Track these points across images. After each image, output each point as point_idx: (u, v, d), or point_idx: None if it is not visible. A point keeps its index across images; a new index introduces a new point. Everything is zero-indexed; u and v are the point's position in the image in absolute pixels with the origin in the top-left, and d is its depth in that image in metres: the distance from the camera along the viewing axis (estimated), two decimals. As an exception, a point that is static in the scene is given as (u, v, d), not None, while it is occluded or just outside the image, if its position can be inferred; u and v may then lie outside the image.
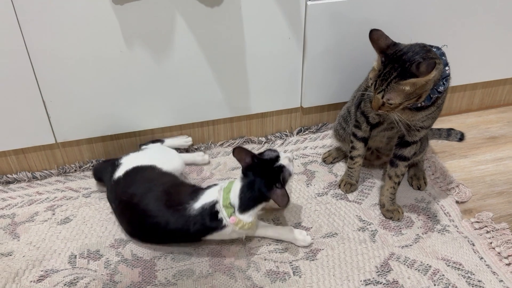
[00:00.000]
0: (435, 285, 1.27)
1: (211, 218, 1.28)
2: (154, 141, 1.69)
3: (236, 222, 1.27)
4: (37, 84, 1.47)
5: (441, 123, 1.88)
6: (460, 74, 1.81)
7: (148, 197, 1.33)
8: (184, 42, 1.50)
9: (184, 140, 1.73)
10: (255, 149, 1.77)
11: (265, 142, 1.80)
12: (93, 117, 1.58)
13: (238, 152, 1.31)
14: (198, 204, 1.31)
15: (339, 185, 1.59)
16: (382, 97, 1.25)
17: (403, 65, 1.19)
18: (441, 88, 1.26)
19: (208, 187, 1.36)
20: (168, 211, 1.31)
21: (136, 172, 1.44)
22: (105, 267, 1.33)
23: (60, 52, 1.42)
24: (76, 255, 1.37)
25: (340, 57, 1.66)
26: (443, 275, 1.29)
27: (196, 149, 1.76)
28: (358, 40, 1.62)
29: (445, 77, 1.26)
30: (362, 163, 1.55)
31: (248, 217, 1.28)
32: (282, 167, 1.30)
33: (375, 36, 1.24)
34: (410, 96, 1.22)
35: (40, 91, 1.48)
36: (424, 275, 1.30)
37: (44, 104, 1.51)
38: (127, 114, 1.61)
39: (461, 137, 1.67)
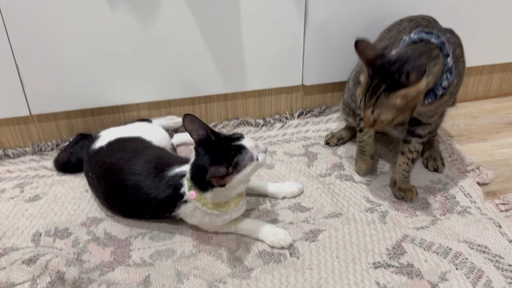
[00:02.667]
0: (457, 269, 1.08)
1: (176, 187, 1.11)
2: (140, 120, 1.54)
3: (196, 197, 1.09)
4: (9, 45, 1.33)
5: (455, 109, 1.72)
6: (477, 54, 1.65)
7: (134, 161, 1.19)
8: (173, 4, 1.36)
9: (173, 121, 1.58)
10: (251, 132, 1.61)
11: (262, 125, 1.64)
12: (72, 86, 1.43)
13: (190, 121, 1.08)
14: (175, 171, 1.14)
15: (356, 169, 1.41)
16: (372, 113, 1.10)
17: (392, 76, 1.06)
18: (445, 83, 1.12)
19: None
20: (148, 176, 1.15)
21: (121, 142, 1.30)
22: (72, 246, 1.16)
23: (35, 8, 1.29)
24: (41, 233, 1.19)
25: (346, 26, 1.51)
26: (466, 258, 1.10)
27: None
28: (366, 7, 1.48)
29: (448, 70, 1.11)
30: (373, 135, 1.37)
31: (211, 197, 1.08)
32: (241, 148, 1.06)
33: (361, 46, 1.09)
34: (402, 110, 1.09)
35: (13, 54, 1.35)
36: (443, 258, 1.10)
37: (17, 69, 1.37)
38: (110, 85, 1.46)
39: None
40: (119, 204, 1.21)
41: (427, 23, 1.25)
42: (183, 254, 1.13)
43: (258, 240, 1.16)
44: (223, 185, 1.04)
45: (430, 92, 1.12)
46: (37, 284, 1.04)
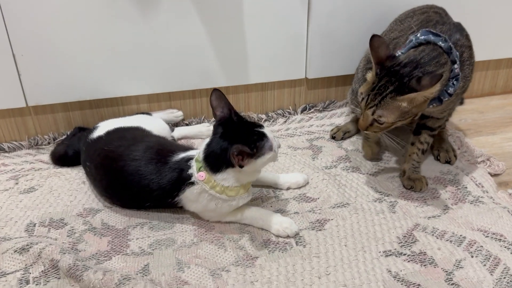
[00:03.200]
0: (472, 256, 1.02)
1: (182, 170, 1.07)
2: (140, 114, 1.50)
3: (205, 179, 1.04)
4: (6, 33, 1.29)
5: (461, 106, 1.68)
6: (483, 48, 1.62)
7: (134, 148, 1.14)
8: (174, -9, 1.34)
9: (173, 115, 1.54)
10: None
11: (265, 120, 1.60)
12: (70, 77, 1.39)
13: (218, 96, 1.06)
14: (180, 156, 1.10)
15: (363, 154, 1.39)
16: (373, 114, 1.08)
17: (401, 79, 1.04)
18: (451, 90, 1.10)
19: None
20: (150, 162, 1.11)
21: (121, 130, 1.26)
22: (68, 236, 1.10)
23: (33, -6, 1.26)
24: (35, 224, 1.14)
25: (351, 18, 1.48)
26: (481, 246, 1.05)
27: (187, 124, 1.56)
28: (370, -2, 1.45)
29: (455, 76, 1.09)
30: None
31: (222, 179, 1.04)
32: (263, 135, 1.04)
33: (376, 43, 1.07)
34: (404, 115, 1.07)
35: (10, 42, 1.31)
36: (457, 246, 1.05)
37: (14, 58, 1.33)
38: (109, 76, 1.42)
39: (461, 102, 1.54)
40: (118, 193, 1.16)
41: (438, 17, 1.22)
42: (184, 244, 1.08)
43: (262, 229, 1.11)
44: (241, 166, 1.00)
45: (435, 98, 1.10)
46: (30, 273, 0.99)
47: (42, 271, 0.99)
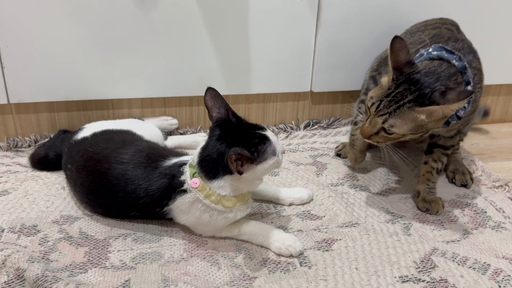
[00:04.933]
0: (499, 286, 0.90)
1: (174, 176, 0.95)
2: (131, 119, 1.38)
3: (199, 187, 0.92)
4: (-9, 21, 1.19)
5: (470, 132, 1.59)
6: (493, 72, 1.54)
7: (122, 151, 1.03)
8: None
9: (168, 122, 1.42)
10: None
11: (265, 134, 1.49)
12: (58, 74, 1.28)
13: (213, 96, 0.95)
14: (173, 161, 0.99)
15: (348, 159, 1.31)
16: (384, 122, 0.98)
17: (423, 89, 0.96)
18: (461, 113, 1.02)
19: None
20: (139, 166, 0.99)
21: (109, 133, 1.15)
22: (39, 244, 0.96)
23: (24, -20, 1.17)
24: (4, 229, 1.00)
25: (362, 28, 1.40)
26: (509, 275, 0.92)
27: (181, 133, 1.45)
28: (385, 8, 1.38)
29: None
30: None
31: (218, 187, 0.92)
32: (265, 138, 0.92)
33: (397, 46, 0.98)
34: (418, 129, 0.98)
35: (-5, 32, 1.21)
36: (482, 274, 0.93)
37: (-2, 49, 1.22)
38: (100, 75, 1.31)
39: (485, 113, 1.51)
40: (100, 199, 1.03)
41: (450, 34, 1.14)
42: (171, 259, 0.94)
43: (262, 247, 0.98)
44: (240, 173, 0.88)
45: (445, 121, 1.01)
46: (-9, 285, 0.85)
47: (5, 281, 0.85)
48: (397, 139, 1.01)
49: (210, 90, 0.95)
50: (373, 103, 1.01)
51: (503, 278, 0.92)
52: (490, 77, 1.48)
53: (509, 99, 1.69)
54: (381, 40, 1.34)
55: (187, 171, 0.95)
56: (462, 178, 1.25)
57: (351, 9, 1.37)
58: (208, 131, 0.98)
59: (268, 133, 0.94)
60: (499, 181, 1.26)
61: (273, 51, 1.40)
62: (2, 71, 1.25)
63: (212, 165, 0.92)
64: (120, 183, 0.98)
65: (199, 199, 0.93)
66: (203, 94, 0.97)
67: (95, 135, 1.13)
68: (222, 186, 0.92)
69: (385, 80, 1.01)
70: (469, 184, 1.24)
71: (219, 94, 0.96)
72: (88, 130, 1.16)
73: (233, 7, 1.31)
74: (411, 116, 0.96)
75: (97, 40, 1.27)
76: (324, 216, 1.10)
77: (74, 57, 1.27)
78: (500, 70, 1.58)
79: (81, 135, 1.14)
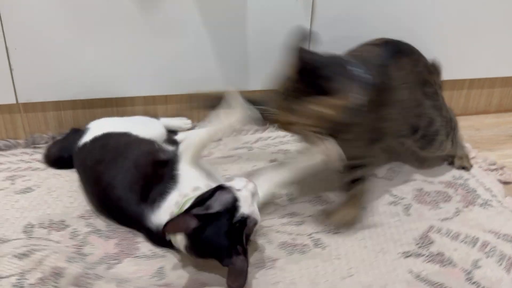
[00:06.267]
0: (487, 257, 1.03)
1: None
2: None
3: None
4: (1, 26, 1.22)
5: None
6: (479, 66, 1.67)
7: (114, 168, 1.08)
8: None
9: (183, 122, 1.48)
10: (259, 132, 1.52)
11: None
12: (63, 75, 1.33)
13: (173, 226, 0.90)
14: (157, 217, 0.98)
15: None
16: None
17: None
18: None
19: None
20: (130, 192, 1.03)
21: (106, 137, 1.20)
22: (70, 238, 1.03)
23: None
24: (34, 225, 1.06)
25: (356, 26, 1.48)
26: (495, 246, 1.06)
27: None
28: (378, 6, 1.47)
29: None
30: None
31: None
32: (245, 220, 0.90)
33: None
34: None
35: (4, 35, 1.24)
36: (472, 247, 1.06)
37: (7, 52, 1.26)
38: (104, 75, 1.36)
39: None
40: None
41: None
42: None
43: (278, 232, 1.08)
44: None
45: None
46: (26, 279, 0.89)
47: (39, 278, 0.90)
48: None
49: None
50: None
51: (490, 249, 1.05)
52: (474, 71, 1.62)
53: (492, 92, 1.81)
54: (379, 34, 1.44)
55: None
56: (461, 162, 1.38)
57: (345, 6, 1.46)
58: None
59: (242, 208, 0.90)
60: (495, 165, 1.39)
61: (270, 47, 1.46)
62: (11, 72, 1.28)
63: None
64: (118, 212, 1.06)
65: None
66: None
67: (94, 141, 1.18)
68: None
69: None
70: (467, 167, 1.37)
71: (186, 215, 0.90)
72: (92, 132, 1.21)
73: (231, 5, 1.37)
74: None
75: (101, 42, 1.31)
76: (334, 202, 1.20)
77: (79, 58, 1.32)
78: (483, 65, 1.68)
79: (84, 139, 1.20)
